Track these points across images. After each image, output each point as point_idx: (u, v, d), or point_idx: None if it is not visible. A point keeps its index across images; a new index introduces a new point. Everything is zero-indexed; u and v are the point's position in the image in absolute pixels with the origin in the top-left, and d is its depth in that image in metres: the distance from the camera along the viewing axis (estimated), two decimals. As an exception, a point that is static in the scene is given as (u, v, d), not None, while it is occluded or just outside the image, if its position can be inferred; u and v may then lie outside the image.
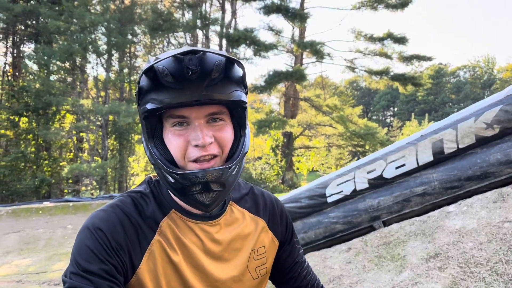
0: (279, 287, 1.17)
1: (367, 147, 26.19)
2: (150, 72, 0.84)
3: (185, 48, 0.85)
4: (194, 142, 0.86)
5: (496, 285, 3.33)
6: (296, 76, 24.83)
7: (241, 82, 0.90)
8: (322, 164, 32.01)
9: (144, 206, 0.94)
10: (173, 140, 0.88)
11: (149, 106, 0.84)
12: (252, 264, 1.02)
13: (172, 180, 0.87)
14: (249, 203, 1.08)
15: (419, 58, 27.71)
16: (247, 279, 1.00)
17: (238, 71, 0.89)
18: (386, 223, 5.28)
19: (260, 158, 28.98)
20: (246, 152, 0.95)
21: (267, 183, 25.00)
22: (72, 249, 0.87)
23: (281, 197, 6.05)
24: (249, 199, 1.09)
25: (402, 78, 27.50)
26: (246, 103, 0.92)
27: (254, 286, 1.02)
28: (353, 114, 28.63)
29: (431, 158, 5.02)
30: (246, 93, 0.93)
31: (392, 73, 27.65)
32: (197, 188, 0.86)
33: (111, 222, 0.88)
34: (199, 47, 0.88)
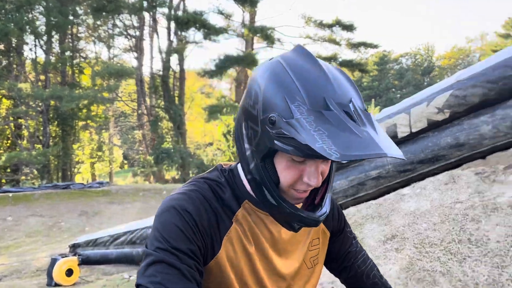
0: (337, 276, 1.20)
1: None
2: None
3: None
4: (308, 180, 0.86)
5: (451, 264, 3.46)
6: (247, 61, 24.70)
7: None
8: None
9: (221, 194, 0.96)
10: (288, 170, 0.86)
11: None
12: (308, 255, 1.06)
13: (275, 204, 0.88)
14: None
15: (366, 45, 28.54)
16: (303, 268, 1.05)
17: None
18: (341, 207, 5.37)
19: (211, 144, 28.73)
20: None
21: (219, 169, 24.87)
22: (156, 226, 0.87)
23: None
24: None
25: (350, 64, 28.22)
26: None
27: (308, 275, 1.06)
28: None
29: (385, 142, 5.13)
30: None
31: (340, 59, 28.28)
32: (298, 226, 0.91)
33: (196, 205, 0.90)
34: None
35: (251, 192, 0.96)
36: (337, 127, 0.73)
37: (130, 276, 5.25)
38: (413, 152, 4.92)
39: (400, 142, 5.06)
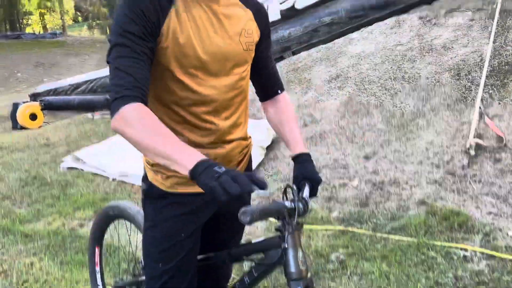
0: (254, 76, 1.37)
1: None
2: None
3: None
4: None
5: (384, 98, 3.89)
6: None
7: None
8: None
9: None
10: None
11: None
12: (242, 39, 1.23)
13: None
14: None
15: None
16: (239, 48, 1.22)
17: None
18: (294, 53, 5.58)
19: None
20: None
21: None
22: (114, 19, 1.07)
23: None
24: None
25: None
26: None
27: (241, 53, 1.23)
28: None
29: (339, -13, 5.16)
30: None
31: None
32: None
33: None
34: None
35: None
36: None
37: (93, 116, 5.53)
38: (366, -3, 5.01)
39: (354, -13, 5.10)
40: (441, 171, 3.03)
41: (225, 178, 0.82)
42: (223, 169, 0.85)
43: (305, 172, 1.24)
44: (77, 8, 31.67)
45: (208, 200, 1.20)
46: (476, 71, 3.60)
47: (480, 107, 3.28)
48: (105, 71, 8.52)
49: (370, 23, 4.95)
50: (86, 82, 8.20)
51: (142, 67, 1.05)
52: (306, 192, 1.16)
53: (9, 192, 3.42)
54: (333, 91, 4.26)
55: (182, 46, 1.11)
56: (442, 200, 2.81)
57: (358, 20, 5.09)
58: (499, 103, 3.30)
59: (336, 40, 4.95)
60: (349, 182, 3.23)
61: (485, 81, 3.43)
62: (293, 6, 5.75)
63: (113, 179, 3.57)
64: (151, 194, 1.26)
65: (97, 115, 5.69)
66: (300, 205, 1.06)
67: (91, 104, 7.40)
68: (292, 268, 1.04)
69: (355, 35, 4.84)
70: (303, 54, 5.13)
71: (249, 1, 1.26)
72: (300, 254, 1.05)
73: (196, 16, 1.14)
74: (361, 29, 4.88)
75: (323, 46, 5.00)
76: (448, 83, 3.67)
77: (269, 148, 3.82)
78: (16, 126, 6.62)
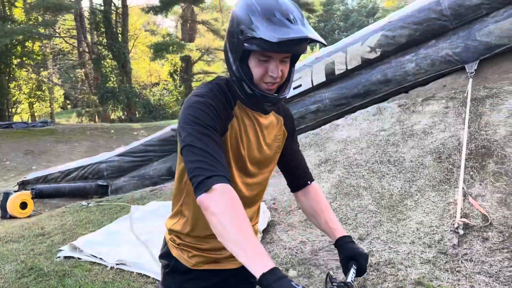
0: (279, 165, 1.56)
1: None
2: None
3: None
4: (271, 73, 1.22)
5: (372, 180, 4.10)
6: (193, -3, 23.95)
7: None
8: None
9: (226, 92, 1.31)
10: (257, 67, 1.23)
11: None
12: (274, 144, 1.43)
13: (250, 92, 1.24)
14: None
15: (313, -16, 28.27)
16: (269, 151, 1.41)
17: None
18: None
19: (157, 84, 28.27)
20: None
21: (166, 109, 24.78)
22: (188, 112, 1.20)
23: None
24: None
25: (297, 3, 28.06)
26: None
27: (271, 157, 1.43)
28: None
29: (324, 79, 5.62)
30: None
31: None
32: (268, 104, 1.29)
33: (214, 99, 1.25)
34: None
35: (240, 96, 1.32)
36: (279, 26, 1.14)
37: (88, 203, 5.58)
38: (348, 88, 5.45)
39: (337, 78, 5.56)
40: (433, 251, 3.14)
41: None
42: (300, 286, 0.93)
43: (349, 253, 1.32)
44: (66, 96, 32.62)
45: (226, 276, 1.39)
46: (455, 154, 3.88)
47: (463, 188, 3.50)
48: (96, 157, 8.67)
49: (353, 110, 5.34)
50: (77, 168, 8.26)
51: (223, 155, 1.18)
52: (351, 274, 1.23)
53: (5, 285, 3.37)
54: (323, 174, 4.47)
55: (235, 153, 1.30)
56: (437, 280, 2.90)
57: (342, 108, 5.49)
58: (480, 184, 3.52)
59: (323, 127, 5.28)
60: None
61: (465, 163, 3.69)
62: (280, 95, 6.17)
63: (111, 268, 3.56)
64: (176, 269, 1.40)
65: (91, 202, 5.73)
66: None
67: (82, 191, 7.44)
68: None
69: (340, 121, 5.19)
70: (292, 139, 5.41)
71: (279, 108, 1.47)
72: None
73: (247, 127, 1.33)
74: (346, 116, 5.24)
75: (311, 132, 5.31)
76: (431, 165, 3.92)
77: (265, 231, 3.90)
78: (5, 215, 6.55)
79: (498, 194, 3.39)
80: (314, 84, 5.66)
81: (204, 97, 1.23)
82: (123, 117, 24.01)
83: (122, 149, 8.09)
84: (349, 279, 1.19)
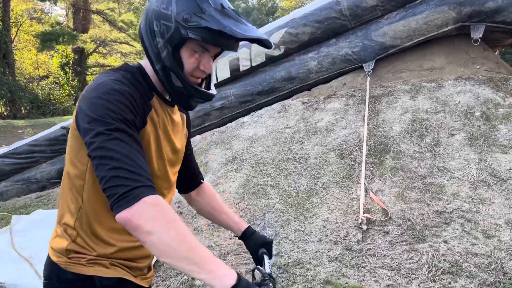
0: (180, 170, 1.46)
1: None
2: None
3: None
4: (203, 68, 1.15)
5: (279, 178, 4.07)
6: (86, -16, 22.26)
7: None
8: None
9: (141, 83, 1.17)
10: (190, 59, 1.13)
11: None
12: (182, 141, 1.38)
13: (180, 85, 1.14)
14: None
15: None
16: (180, 147, 1.35)
17: None
18: (191, 136, 5.64)
19: (46, 77, 25.79)
20: None
21: (57, 104, 22.77)
22: (102, 103, 1.01)
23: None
24: None
25: None
26: None
27: (182, 153, 1.39)
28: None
29: (228, 75, 5.48)
30: None
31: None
32: (198, 100, 1.20)
33: (131, 88, 1.10)
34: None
35: (157, 86, 1.21)
36: (236, 20, 1.08)
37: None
38: (253, 85, 5.38)
39: (242, 75, 5.47)
40: (339, 248, 3.18)
41: None
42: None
43: (259, 241, 1.39)
44: None
45: None
46: (356, 150, 4.00)
47: (364, 184, 3.61)
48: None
49: (259, 107, 5.29)
50: None
51: (144, 159, 1.02)
52: (267, 264, 1.26)
53: None
54: (231, 173, 4.33)
55: (157, 146, 1.21)
56: (344, 277, 2.93)
57: (247, 105, 5.41)
58: (380, 179, 3.67)
59: (229, 124, 5.14)
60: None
61: (366, 160, 3.81)
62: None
63: (-13, 292, 3.04)
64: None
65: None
66: (271, 284, 1.12)
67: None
68: None
69: (246, 119, 5.10)
70: (198, 137, 5.21)
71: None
72: None
73: (165, 120, 1.24)
74: (251, 114, 5.17)
75: (217, 130, 5.15)
76: (334, 162, 4.00)
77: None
78: None
79: (396, 189, 3.56)
80: (219, 80, 5.50)
81: (120, 84, 1.07)
82: (5, 113, 21.54)
83: (3, 149, 7.16)
84: (267, 269, 1.24)
